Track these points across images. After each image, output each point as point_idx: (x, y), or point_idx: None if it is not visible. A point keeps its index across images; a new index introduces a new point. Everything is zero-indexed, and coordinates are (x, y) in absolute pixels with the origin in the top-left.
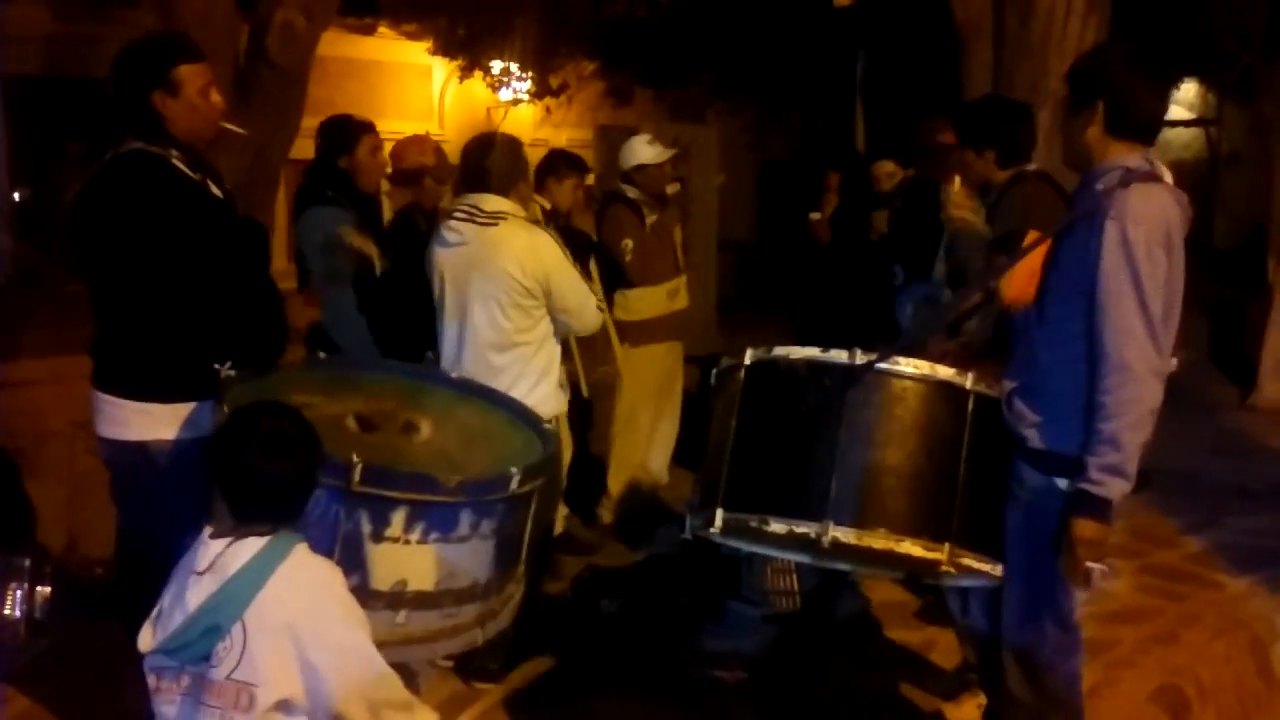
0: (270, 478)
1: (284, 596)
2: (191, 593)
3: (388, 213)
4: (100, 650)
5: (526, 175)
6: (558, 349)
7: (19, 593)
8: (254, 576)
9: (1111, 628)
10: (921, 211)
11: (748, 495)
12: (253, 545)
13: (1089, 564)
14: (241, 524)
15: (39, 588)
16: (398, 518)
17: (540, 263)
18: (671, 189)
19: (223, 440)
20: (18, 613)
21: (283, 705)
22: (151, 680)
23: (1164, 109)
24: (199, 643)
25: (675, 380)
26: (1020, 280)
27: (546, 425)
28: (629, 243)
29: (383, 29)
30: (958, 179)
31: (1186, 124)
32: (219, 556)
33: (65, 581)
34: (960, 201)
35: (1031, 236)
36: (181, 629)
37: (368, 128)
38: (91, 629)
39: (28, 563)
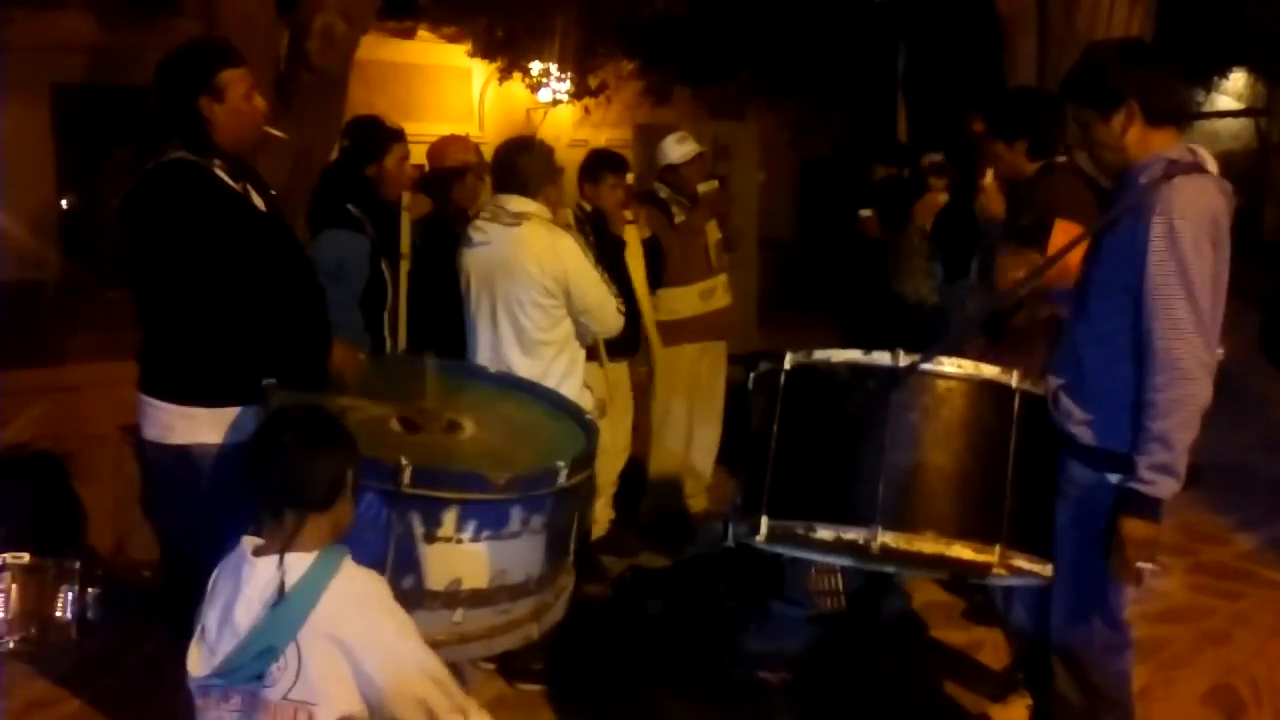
0: (302, 463)
1: (336, 612)
2: (241, 614)
3: (405, 226)
4: (148, 652)
5: (556, 180)
6: (581, 352)
7: (70, 594)
8: (307, 595)
9: (1163, 627)
10: (965, 207)
11: (793, 501)
12: (302, 562)
13: (1139, 564)
14: (275, 518)
15: (89, 589)
16: (449, 517)
17: (559, 262)
18: (706, 187)
19: (259, 438)
20: (69, 614)
21: None
22: (199, 700)
23: (1185, 89)
24: (252, 665)
25: (716, 381)
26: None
27: (587, 416)
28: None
29: (422, 32)
30: (990, 171)
31: (1235, 114)
32: (267, 576)
33: (113, 584)
34: (993, 193)
35: (1061, 229)
36: (235, 653)
37: (398, 135)
38: (139, 631)
39: (78, 565)
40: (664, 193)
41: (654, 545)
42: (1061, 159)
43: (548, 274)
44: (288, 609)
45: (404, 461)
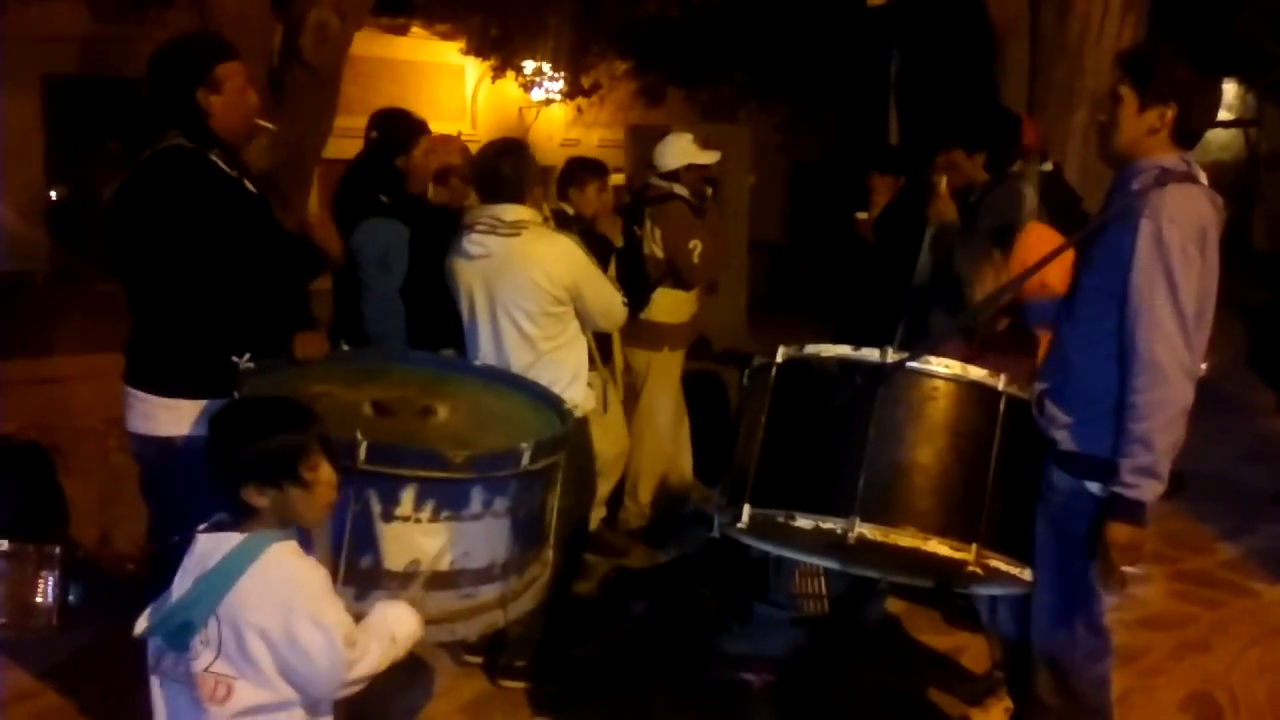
0: (242, 437)
1: (254, 597)
2: (177, 585)
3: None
4: (131, 646)
5: (539, 178)
6: (585, 350)
7: (51, 580)
8: (225, 574)
9: (1144, 634)
10: (906, 215)
11: (775, 491)
12: (229, 542)
13: (1124, 568)
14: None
15: (71, 574)
16: (407, 496)
17: (568, 270)
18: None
19: (213, 424)
20: (50, 599)
21: (263, 708)
22: (151, 661)
23: (1215, 117)
24: (178, 635)
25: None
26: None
27: (567, 406)
28: (697, 244)
29: (416, 29)
30: (943, 178)
31: (1225, 125)
32: (202, 552)
33: (97, 577)
34: (946, 200)
35: (1035, 231)
36: (160, 620)
37: (424, 128)
38: (123, 624)
39: (59, 550)
40: (683, 191)
41: (640, 546)
42: (1015, 169)
43: (557, 283)
44: (208, 585)
45: (359, 437)
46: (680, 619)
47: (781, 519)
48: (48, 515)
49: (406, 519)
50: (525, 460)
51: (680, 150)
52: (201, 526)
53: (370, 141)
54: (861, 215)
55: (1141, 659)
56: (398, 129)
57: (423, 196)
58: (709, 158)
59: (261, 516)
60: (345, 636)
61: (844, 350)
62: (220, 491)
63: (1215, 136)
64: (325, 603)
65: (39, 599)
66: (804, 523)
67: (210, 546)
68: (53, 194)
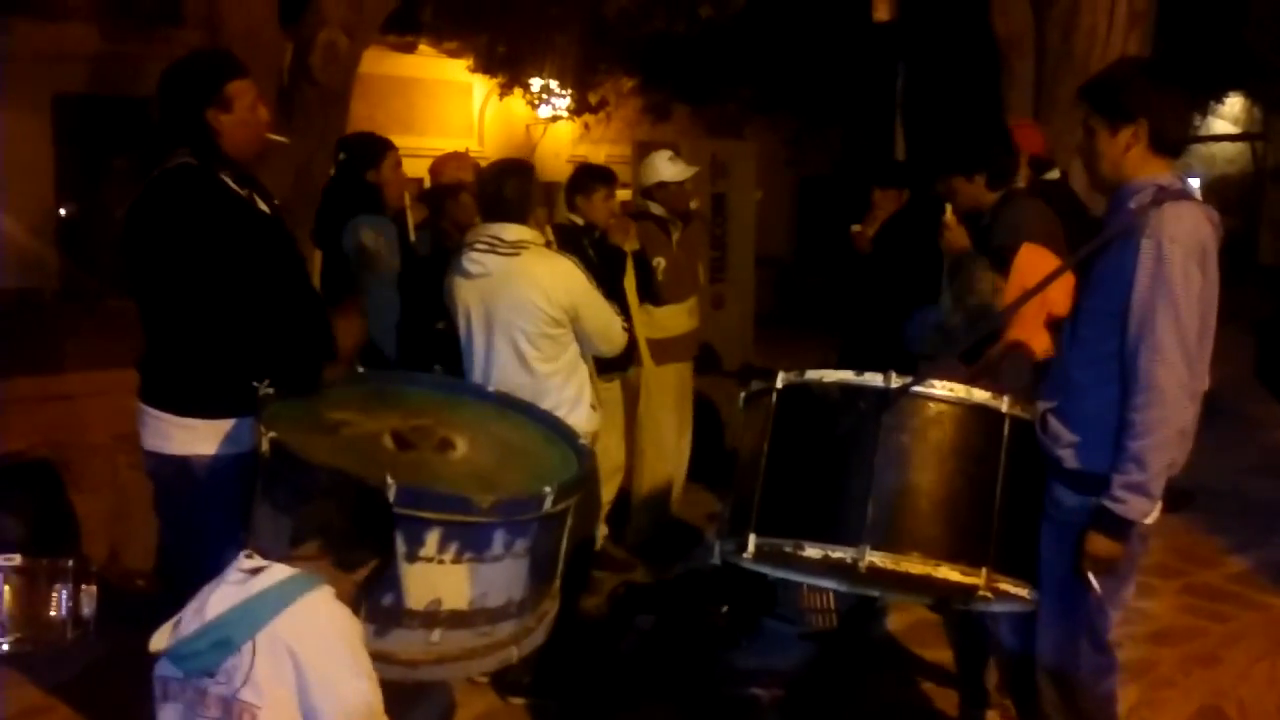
0: (360, 523)
1: (298, 630)
2: (213, 603)
3: (411, 226)
4: (141, 662)
5: (541, 200)
6: (586, 374)
7: (64, 593)
8: (274, 600)
9: (1153, 648)
10: (909, 228)
11: (781, 520)
12: (283, 571)
13: (1092, 579)
14: (299, 537)
15: (83, 586)
16: (432, 538)
17: (566, 291)
18: (695, 204)
19: (364, 487)
20: (64, 612)
21: None
22: (158, 691)
23: (1190, 124)
24: (208, 654)
25: (689, 397)
26: (1029, 321)
27: (582, 441)
28: (661, 261)
29: (424, 47)
30: (949, 207)
31: (1232, 138)
32: (249, 574)
33: (107, 593)
34: (955, 228)
35: (1028, 252)
36: (194, 636)
37: (390, 144)
38: (132, 641)
39: (71, 563)
40: (658, 210)
41: (645, 560)
42: (1020, 186)
43: (555, 304)
44: (254, 607)
45: (389, 480)
46: (688, 634)
47: (789, 548)
48: (59, 531)
49: (430, 560)
50: (548, 504)
51: (652, 169)
52: (246, 550)
53: (340, 163)
54: (857, 228)
55: (1151, 673)
56: (363, 147)
57: (402, 211)
58: (680, 174)
59: (314, 561)
60: (372, 689)
61: (847, 375)
62: (332, 527)
63: (1222, 150)
64: (363, 657)
65: (52, 613)
66: (812, 552)
67: (259, 572)
68: (62, 211)
